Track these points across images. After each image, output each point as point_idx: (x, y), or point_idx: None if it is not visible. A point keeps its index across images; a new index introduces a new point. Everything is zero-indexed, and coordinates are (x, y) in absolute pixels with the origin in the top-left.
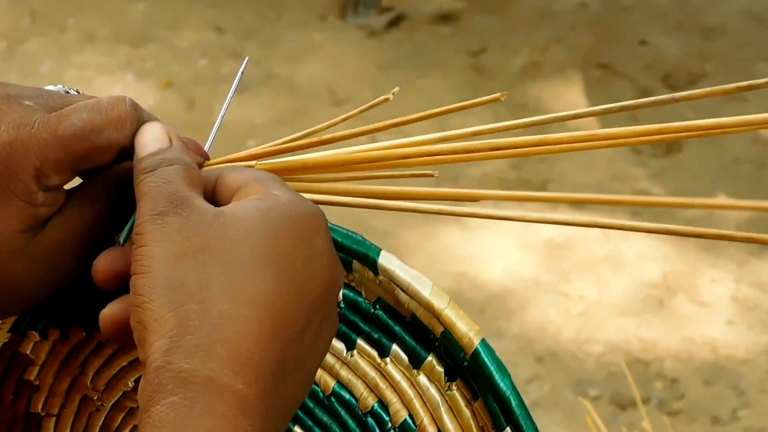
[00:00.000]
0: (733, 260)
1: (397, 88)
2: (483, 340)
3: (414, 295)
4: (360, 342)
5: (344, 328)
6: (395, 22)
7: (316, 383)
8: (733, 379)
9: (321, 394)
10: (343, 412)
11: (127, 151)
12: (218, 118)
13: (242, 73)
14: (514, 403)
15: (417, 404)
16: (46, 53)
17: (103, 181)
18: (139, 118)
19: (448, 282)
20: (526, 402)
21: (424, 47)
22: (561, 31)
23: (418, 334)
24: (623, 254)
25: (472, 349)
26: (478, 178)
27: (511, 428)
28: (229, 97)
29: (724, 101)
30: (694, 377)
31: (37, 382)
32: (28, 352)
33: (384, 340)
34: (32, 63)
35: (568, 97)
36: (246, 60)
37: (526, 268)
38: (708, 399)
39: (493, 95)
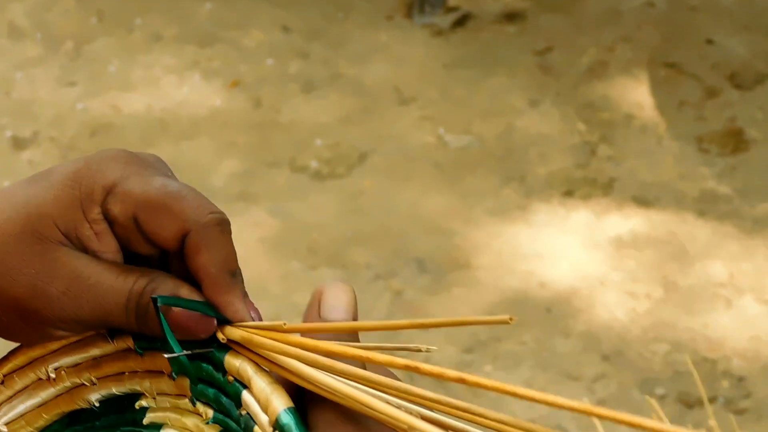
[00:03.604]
0: None
1: (436, 348)
2: None
3: None
4: None
5: None
6: (461, 22)
7: None
8: None
9: None
10: None
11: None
12: None
13: None
14: None
15: None
16: (113, 53)
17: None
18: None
19: (514, 281)
20: (592, 401)
21: (490, 46)
22: (627, 31)
23: None
24: (690, 253)
25: None
26: (545, 176)
27: None
28: None
29: None
30: (761, 376)
31: None
32: None
33: None
34: (99, 63)
35: (635, 96)
36: None
37: (593, 266)
38: None
39: (501, 317)
